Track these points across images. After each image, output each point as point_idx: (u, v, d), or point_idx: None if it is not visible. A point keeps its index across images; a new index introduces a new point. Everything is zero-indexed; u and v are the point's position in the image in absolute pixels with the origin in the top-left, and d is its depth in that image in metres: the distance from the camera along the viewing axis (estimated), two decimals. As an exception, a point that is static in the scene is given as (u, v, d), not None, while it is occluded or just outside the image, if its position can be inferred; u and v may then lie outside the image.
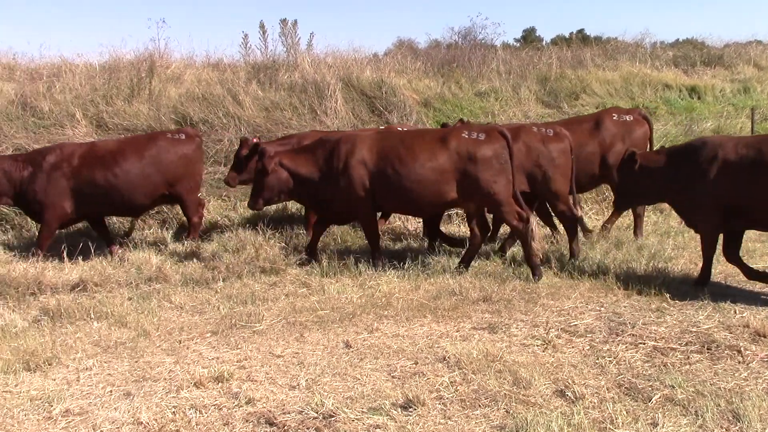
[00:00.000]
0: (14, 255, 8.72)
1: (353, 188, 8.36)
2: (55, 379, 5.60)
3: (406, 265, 8.33)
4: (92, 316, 6.95)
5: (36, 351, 6.02)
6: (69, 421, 4.87)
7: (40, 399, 5.21)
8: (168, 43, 18.29)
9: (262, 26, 20.85)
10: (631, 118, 9.96)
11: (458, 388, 5.16)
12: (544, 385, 5.15)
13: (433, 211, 8.91)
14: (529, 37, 38.25)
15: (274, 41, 20.90)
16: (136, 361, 5.91)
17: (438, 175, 8.21)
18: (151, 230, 10.94)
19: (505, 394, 5.01)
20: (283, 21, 20.95)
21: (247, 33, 21.42)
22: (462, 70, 18.05)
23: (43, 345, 6.18)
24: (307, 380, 5.38)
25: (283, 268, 8.35)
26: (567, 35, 33.57)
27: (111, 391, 5.34)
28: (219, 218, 11.20)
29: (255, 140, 9.95)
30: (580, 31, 34.71)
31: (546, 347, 5.95)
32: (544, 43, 32.08)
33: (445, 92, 16.26)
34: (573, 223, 8.93)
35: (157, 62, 16.25)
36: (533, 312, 6.86)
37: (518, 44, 33.35)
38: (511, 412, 4.75)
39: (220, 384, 5.34)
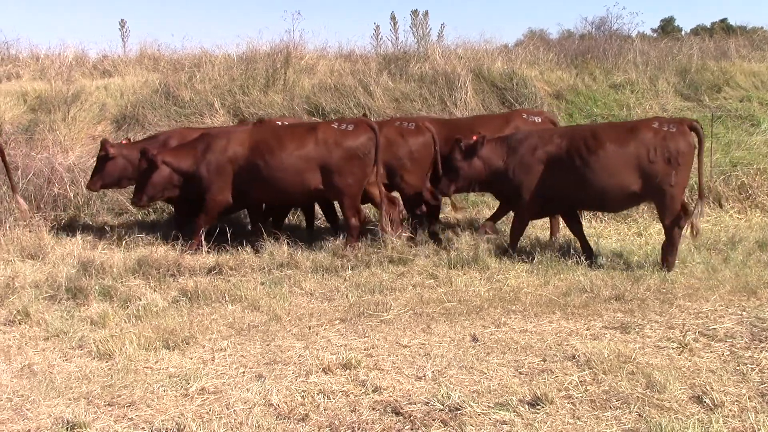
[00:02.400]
0: (156, 237, 9.11)
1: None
2: (191, 358, 5.84)
3: (535, 260, 8.19)
4: (227, 298, 7.20)
5: (175, 330, 6.30)
6: (204, 399, 5.06)
7: (178, 376, 5.43)
8: (302, 35, 18.64)
9: (393, 18, 21.01)
10: (540, 120, 9.92)
11: (588, 387, 5.02)
12: (680, 389, 4.93)
13: (302, 200, 9.47)
14: (667, 26, 36.79)
15: (405, 32, 20.93)
16: (268, 345, 6.08)
17: (304, 163, 8.76)
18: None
19: (637, 396, 4.83)
20: (414, 12, 20.98)
21: (378, 24, 21.68)
22: (596, 62, 17.51)
23: (181, 325, 6.46)
24: (433, 372, 5.38)
25: (410, 259, 8.37)
26: (708, 25, 32.05)
27: (243, 372, 5.52)
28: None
29: (123, 141, 10.18)
30: (723, 20, 33.07)
31: (682, 350, 5.70)
32: (683, 33, 30.74)
33: (578, 84, 15.84)
34: (436, 210, 9.59)
35: (292, 53, 16.58)
36: (668, 313, 6.59)
37: (655, 35, 32.10)
38: (643, 416, 4.58)
39: (347, 371, 5.41)
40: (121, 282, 7.68)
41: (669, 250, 8.03)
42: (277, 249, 8.62)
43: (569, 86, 15.69)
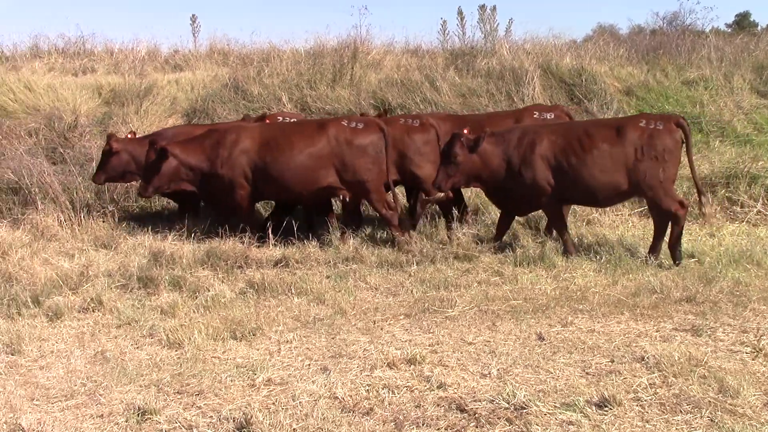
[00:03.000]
0: (224, 229, 9.25)
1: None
2: (258, 349, 5.93)
3: (603, 259, 8.05)
4: (293, 291, 7.27)
5: (242, 321, 6.40)
6: (270, 390, 5.13)
7: (245, 367, 5.53)
8: (369, 30, 18.63)
9: (460, 12, 20.82)
10: (553, 116, 9.81)
11: (657, 390, 4.92)
12: (754, 395, 4.79)
13: (311, 197, 9.28)
14: (742, 22, 35.73)
15: (472, 27, 20.75)
16: (333, 338, 6.12)
17: (315, 161, 8.80)
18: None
19: (709, 401, 4.71)
20: (482, 7, 20.76)
21: (445, 19, 21.44)
22: (668, 58, 17.11)
23: (248, 316, 6.56)
24: (498, 369, 5.34)
25: (476, 255, 8.32)
26: (786, 20, 30.99)
27: (309, 365, 5.58)
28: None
29: (128, 136, 10.19)
30: (802, 14, 31.93)
31: (756, 355, 5.53)
32: (759, 28, 29.82)
33: (650, 80, 15.49)
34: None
35: (359, 48, 16.65)
36: (742, 316, 6.40)
37: (730, 30, 31.20)
38: (716, 421, 4.47)
39: (412, 366, 5.42)
40: (191, 273, 7.83)
41: (655, 243, 8.22)
42: (343, 243, 8.68)
43: (640, 82, 15.37)
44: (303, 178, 8.89)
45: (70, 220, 9.66)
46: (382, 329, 6.32)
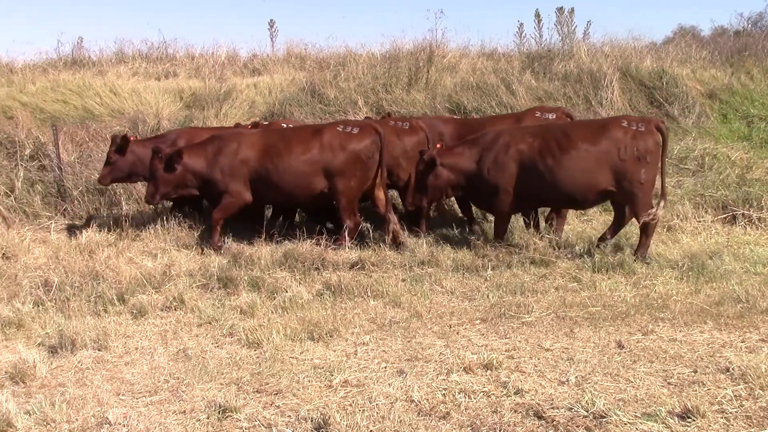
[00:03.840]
0: (301, 231, 9.35)
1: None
2: (335, 351, 5.98)
3: (685, 266, 7.86)
4: (369, 294, 7.32)
5: (319, 322, 6.47)
6: (347, 392, 5.17)
7: (322, 368, 5.59)
8: (445, 33, 18.60)
9: (537, 15, 20.66)
10: (554, 117, 9.85)
11: (743, 402, 4.78)
12: None
13: (309, 202, 9.49)
14: (832, 22, 34.33)
15: (549, 30, 20.61)
16: (409, 341, 6.14)
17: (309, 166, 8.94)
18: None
19: (799, 415, 4.56)
20: (560, 9, 20.55)
21: (522, 22, 21.29)
22: (754, 60, 16.62)
23: (325, 317, 6.64)
24: (576, 377, 5.27)
25: (553, 261, 8.22)
26: None
27: (385, 367, 5.60)
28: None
29: (131, 138, 10.15)
30: None
31: None
32: None
33: (734, 83, 15.08)
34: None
35: (434, 52, 16.64)
36: (833, 328, 6.17)
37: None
38: (806, 436, 4.33)
39: (488, 371, 5.39)
40: (269, 273, 7.96)
41: (643, 242, 8.41)
42: (418, 246, 8.70)
43: (723, 85, 14.98)
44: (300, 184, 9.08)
45: (153, 220, 9.93)
46: (458, 333, 6.30)
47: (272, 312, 6.92)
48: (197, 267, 8.26)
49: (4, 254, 9.17)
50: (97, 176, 10.51)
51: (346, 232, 9.02)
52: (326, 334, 6.27)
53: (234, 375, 5.54)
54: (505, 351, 5.83)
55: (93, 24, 56.87)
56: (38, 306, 7.26)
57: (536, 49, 19.21)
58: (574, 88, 14.50)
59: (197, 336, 6.49)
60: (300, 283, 7.71)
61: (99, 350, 6.19)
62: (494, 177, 8.59)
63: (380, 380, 5.34)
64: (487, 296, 7.27)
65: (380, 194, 9.25)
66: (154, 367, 5.83)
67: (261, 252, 8.44)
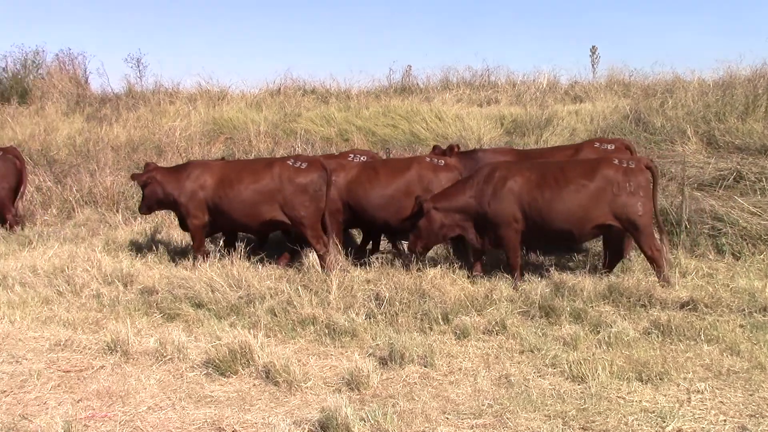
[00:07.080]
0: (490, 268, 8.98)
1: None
2: (666, 395, 5.63)
3: None
4: (702, 338, 6.80)
5: (647, 363, 6.13)
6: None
7: (653, 412, 5.29)
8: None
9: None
10: (613, 147, 9.73)
11: None
12: None
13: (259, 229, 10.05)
14: None
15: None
16: (751, 395, 5.60)
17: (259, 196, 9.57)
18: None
19: None
20: None
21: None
22: None
23: (654, 358, 6.27)
24: None
25: None
26: None
27: (725, 421, 5.16)
28: None
29: (150, 167, 10.41)
30: None
31: None
32: None
33: None
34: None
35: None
36: None
37: None
38: None
39: None
40: (592, 306, 7.74)
41: (659, 271, 8.45)
42: (759, 291, 7.94)
43: None
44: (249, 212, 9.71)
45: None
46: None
47: (596, 347, 6.68)
48: (518, 294, 8.25)
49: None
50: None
51: (327, 259, 9.37)
52: (656, 377, 5.91)
53: (558, 408, 5.43)
54: None
55: (421, 52, 60.31)
56: (370, 318, 7.71)
57: None
58: None
59: (519, 363, 6.47)
60: (625, 319, 7.39)
61: (425, 366, 6.42)
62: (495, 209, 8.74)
63: (719, 434, 4.92)
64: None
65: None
66: (478, 390, 5.92)
67: (584, 283, 8.22)
